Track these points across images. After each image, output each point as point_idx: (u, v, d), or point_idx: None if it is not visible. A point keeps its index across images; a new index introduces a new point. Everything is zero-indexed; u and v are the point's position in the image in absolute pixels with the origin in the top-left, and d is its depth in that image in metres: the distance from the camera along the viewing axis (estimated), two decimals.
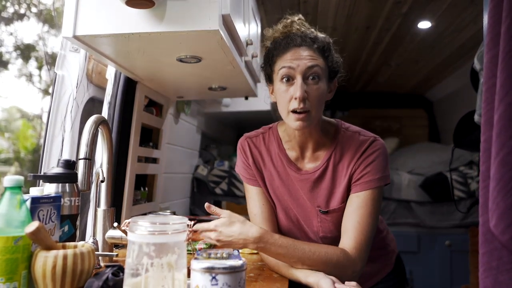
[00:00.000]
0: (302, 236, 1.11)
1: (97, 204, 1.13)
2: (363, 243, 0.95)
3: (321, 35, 1.02)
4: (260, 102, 2.43)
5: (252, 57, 1.42)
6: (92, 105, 1.41)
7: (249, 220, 1.02)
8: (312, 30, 1.04)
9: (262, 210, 1.09)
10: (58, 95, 1.29)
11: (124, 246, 1.25)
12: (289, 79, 0.97)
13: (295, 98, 0.94)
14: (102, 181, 1.11)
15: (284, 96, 0.97)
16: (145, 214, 1.60)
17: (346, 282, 0.89)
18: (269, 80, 1.07)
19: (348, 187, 1.02)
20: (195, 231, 0.93)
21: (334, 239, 1.04)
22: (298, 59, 0.96)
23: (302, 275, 0.92)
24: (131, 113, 1.46)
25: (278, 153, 1.09)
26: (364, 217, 0.97)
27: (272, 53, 1.02)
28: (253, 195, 1.11)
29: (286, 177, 1.08)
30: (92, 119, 1.04)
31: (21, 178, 0.74)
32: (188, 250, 1.08)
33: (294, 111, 0.96)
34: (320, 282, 0.87)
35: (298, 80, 0.95)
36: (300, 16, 1.07)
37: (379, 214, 1.01)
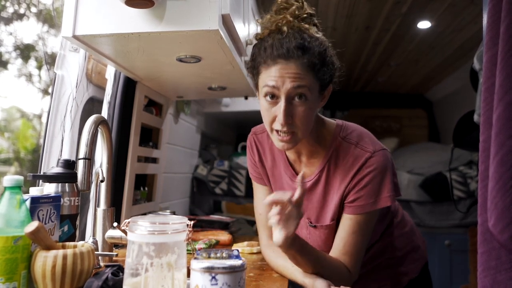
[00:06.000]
0: None
1: (97, 204, 1.13)
2: (358, 263, 0.95)
3: (315, 41, 0.88)
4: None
5: None
6: (92, 105, 1.41)
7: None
8: (307, 27, 0.90)
9: (268, 209, 1.09)
10: (58, 95, 1.29)
11: (124, 246, 1.25)
12: (273, 97, 0.87)
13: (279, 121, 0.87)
14: (101, 181, 1.11)
15: (267, 114, 0.89)
16: (145, 214, 1.60)
17: (341, 287, 0.88)
18: (255, 84, 0.96)
19: (340, 205, 0.97)
20: (195, 231, 0.93)
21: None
22: (283, 77, 0.84)
23: (300, 275, 0.93)
24: (131, 113, 1.46)
25: (279, 153, 1.08)
26: (358, 237, 0.94)
27: (257, 58, 0.91)
28: (260, 194, 1.11)
29: (281, 180, 1.08)
30: (91, 119, 1.04)
31: (21, 178, 0.74)
32: (187, 250, 1.09)
33: (278, 131, 0.89)
34: (316, 283, 0.88)
35: (282, 101, 0.85)
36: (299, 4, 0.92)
37: (372, 230, 0.98)
